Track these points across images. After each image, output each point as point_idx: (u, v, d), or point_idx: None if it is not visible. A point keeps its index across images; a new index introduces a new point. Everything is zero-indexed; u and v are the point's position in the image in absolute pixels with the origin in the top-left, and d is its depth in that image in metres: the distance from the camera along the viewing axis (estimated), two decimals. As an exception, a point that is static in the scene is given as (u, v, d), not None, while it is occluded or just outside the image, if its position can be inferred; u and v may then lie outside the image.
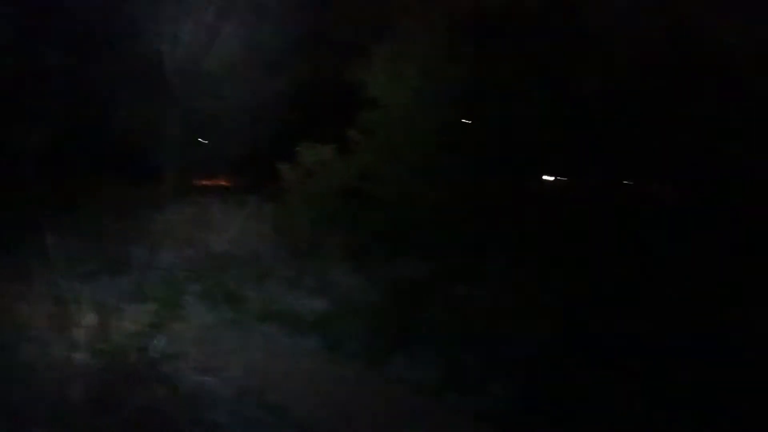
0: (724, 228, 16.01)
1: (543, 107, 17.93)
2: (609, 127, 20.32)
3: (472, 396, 6.78)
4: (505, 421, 6.44)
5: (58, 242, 7.10)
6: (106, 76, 23.85)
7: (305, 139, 16.72)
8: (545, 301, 10.06)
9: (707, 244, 15.22)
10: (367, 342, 8.12)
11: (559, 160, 21.29)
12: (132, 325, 6.15)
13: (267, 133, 24.73)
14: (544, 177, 24.71)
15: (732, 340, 8.16)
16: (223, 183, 30.17)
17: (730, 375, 7.18)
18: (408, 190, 16.73)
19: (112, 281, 8.94)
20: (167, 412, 5.28)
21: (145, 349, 5.97)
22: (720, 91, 19.07)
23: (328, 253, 12.60)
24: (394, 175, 17.12)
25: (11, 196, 19.60)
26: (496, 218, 16.51)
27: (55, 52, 25.14)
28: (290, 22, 23.19)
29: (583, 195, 21.99)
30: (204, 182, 30.26)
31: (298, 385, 6.71)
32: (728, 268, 12.54)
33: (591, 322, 9.26)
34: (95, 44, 23.72)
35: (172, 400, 5.39)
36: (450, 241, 14.65)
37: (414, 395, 6.85)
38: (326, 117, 22.82)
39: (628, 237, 16.59)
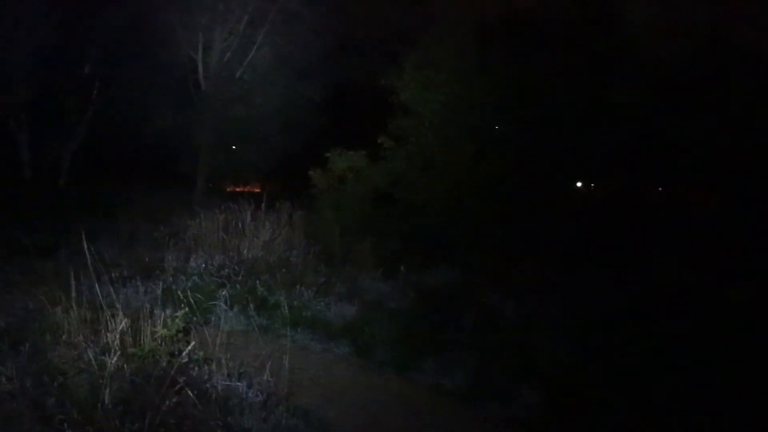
0: (760, 233, 15.80)
1: (575, 113, 17.84)
2: (640, 133, 20.15)
3: (503, 402, 6.74)
4: (536, 428, 6.39)
5: (92, 247, 7.17)
6: (140, 84, 24.24)
7: (337, 145, 16.78)
8: (578, 308, 9.99)
9: (742, 249, 15.04)
10: (397, 348, 8.12)
11: (591, 167, 21.15)
12: (163, 330, 6.18)
13: (299, 139, 24.94)
14: (577, 183, 24.55)
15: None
16: (255, 189, 30.45)
17: None
18: (440, 197, 16.74)
19: (145, 286, 9.02)
20: (197, 416, 5.30)
21: (175, 354, 5.99)
22: (752, 97, 18.84)
23: (358, 259, 12.61)
24: (425, 181, 17.14)
25: (48, 201, 19.99)
26: (528, 225, 16.45)
27: (91, 61, 25.63)
28: (322, 29, 23.36)
29: (616, 201, 21.85)
30: (236, 188, 30.55)
31: (328, 391, 6.72)
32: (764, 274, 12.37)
33: (624, 329, 9.17)
34: (130, 53, 24.10)
35: (202, 404, 5.41)
36: (481, 248, 14.62)
37: (444, 401, 6.82)
38: (358, 123, 22.94)
39: (662, 242, 16.44)
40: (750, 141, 19.44)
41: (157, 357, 5.96)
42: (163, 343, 6.13)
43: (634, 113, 20.08)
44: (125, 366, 5.62)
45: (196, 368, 6.07)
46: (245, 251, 11.60)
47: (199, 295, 8.37)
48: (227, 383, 5.96)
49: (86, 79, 26.32)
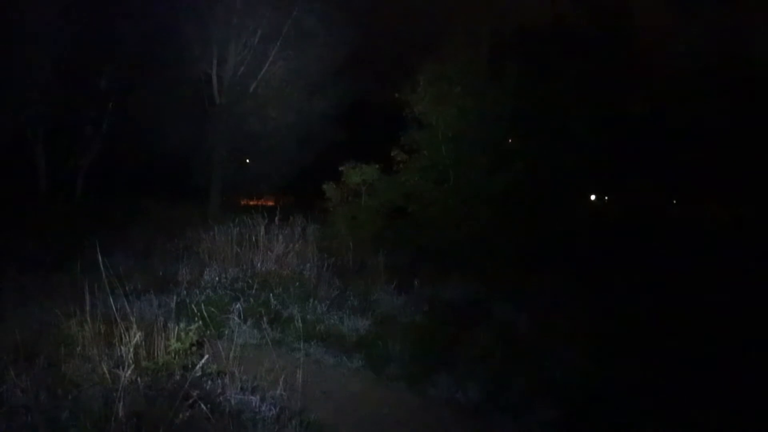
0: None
1: (589, 126, 17.80)
2: (656, 147, 20.08)
3: (517, 417, 6.69)
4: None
5: (107, 260, 7.20)
6: (155, 98, 24.42)
7: (350, 158, 16.81)
8: (593, 322, 9.92)
9: (759, 262, 14.92)
10: (411, 362, 8.09)
11: (605, 180, 21.09)
12: (176, 344, 6.19)
13: (312, 153, 25.02)
14: (591, 197, 24.47)
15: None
16: (269, 202, 30.55)
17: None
18: (453, 210, 16.71)
19: (159, 299, 9.04)
20: (210, 430, 5.30)
21: (189, 367, 6.00)
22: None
23: (372, 272, 12.60)
24: (439, 194, 17.12)
25: (63, 214, 20.11)
26: (542, 238, 16.39)
27: (107, 75, 25.86)
28: (335, 43, 23.47)
29: (630, 214, 21.76)
30: (250, 202, 30.65)
31: (341, 405, 6.70)
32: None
33: (641, 344, 9.11)
34: (145, 67, 24.30)
35: (215, 418, 5.41)
36: (495, 261, 14.57)
37: (457, 415, 6.78)
38: (371, 137, 22.98)
39: (679, 256, 16.34)
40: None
41: (171, 370, 5.97)
42: (176, 357, 6.15)
43: (649, 126, 20.04)
44: (139, 379, 5.63)
45: (210, 382, 6.08)
46: (259, 264, 11.62)
47: (212, 309, 8.38)
48: (240, 397, 5.96)
49: (102, 93, 26.55)
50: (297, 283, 10.96)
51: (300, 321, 8.73)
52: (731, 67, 21.43)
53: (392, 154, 17.42)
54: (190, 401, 5.46)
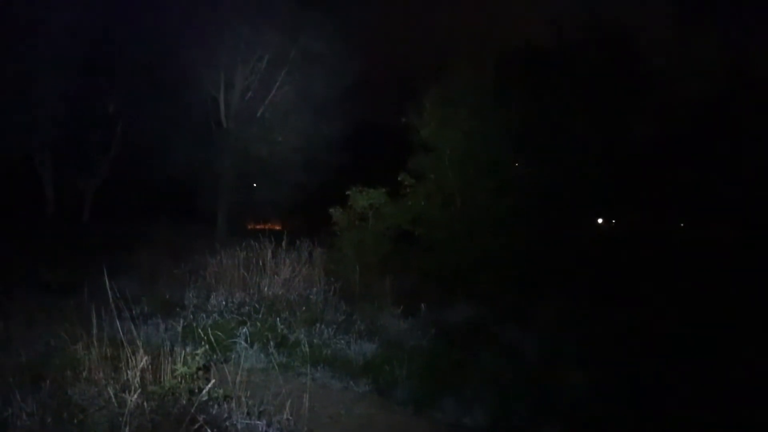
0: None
1: (595, 148, 17.82)
2: (662, 170, 20.05)
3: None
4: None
5: (114, 283, 7.21)
6: (162, 122, 24.57)
7: (357, 182, 16.83)
8: (599, 345, 9.89)
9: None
10: (418, 386, 8.06)
11: (612, 203, 21.06)
12: (183, 368, 6.17)
13: (319, 177, 25.08)
14: (598, 220, 24.42)
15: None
16: (275, 226, 30.59)
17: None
18: (459, 233, 16.71)
19: (165, 323, 9.04)
20: (216, 455, 5.29)
21: (195, 392, 5.98)
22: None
23: (379, 296, 12.59)
24: (445, 218, 17.13)
25: (70, 237, 20.17)
26: (548, 261, 16.36)
27: (114, 99, 26.06)
28: (341, 68, 23.61)
29: (637, 237, 21.69)
30: (257, 226, 30.69)
31: (348, 430, 6.67)
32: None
33: (647, 367, 9.07)
34: (153, 92, 24.48)
35: (222, 443, 5.39)
36: (501, 284, 14.55)
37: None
38: (378, 161, 23.04)
39: (684, 279, 16.28)
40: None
41: (177, 394, 5.95)
42: (183, 381, 6.13)
43: (655, 148, 20.03)
44: (145, 403, 5.62)
45: (216, 406, 6.06)
46: (265, 289, 11.61)
47: (219, 333, 8.38)
48: (247, 421, 5.93)
49: (110, 118, 26.76)
50: (304, 308, 10.94)
51: (307, 345, 8.72)
52: (737, 91, 21.47)
53: (399, 179, 17.44)
54: (197, 426, 5.45)
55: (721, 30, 23.06)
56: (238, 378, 6.30)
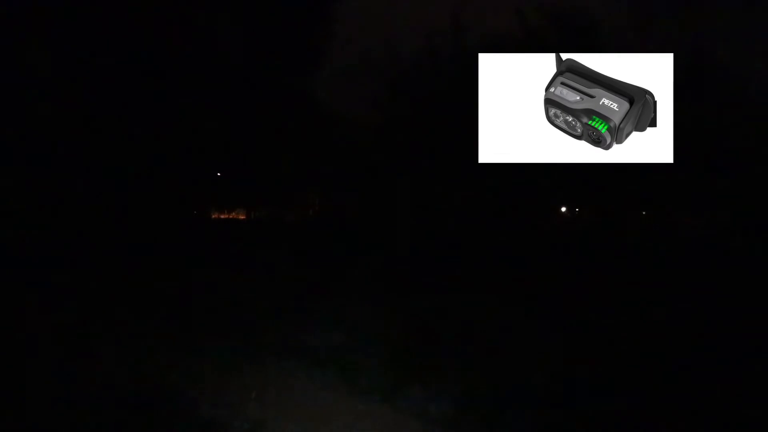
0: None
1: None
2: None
3: (490, 428, 6.71)
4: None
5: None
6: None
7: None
8: (564, 331, 10.04)
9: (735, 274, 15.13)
10: (384, 375, 8.09)
11: (575, 190, 21.25)
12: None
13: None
14: (562, 208, 24.68)
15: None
16: (240, 216, 30.36)
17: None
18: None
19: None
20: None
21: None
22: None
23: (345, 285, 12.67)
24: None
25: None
26: (512, 247, 16.53)
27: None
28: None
29: (600, 225, 21.96)
30: (223, 215, 30.42)
31: (313, 419, 6.69)
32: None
33: (614, 355, 9.21)
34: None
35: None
36: (464, 271, 14.69)
37: (429, 427, 6.78)
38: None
39: (647, 267, 16.53)
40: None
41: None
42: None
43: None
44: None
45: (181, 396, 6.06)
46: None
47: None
48: (212, 411, 5.95)
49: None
50: (270, 298, 10.96)
51: (273, 336, 8.73)
52: (694, 71, 21.86)
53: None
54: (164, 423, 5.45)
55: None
56: (204, 369, 6.30)
